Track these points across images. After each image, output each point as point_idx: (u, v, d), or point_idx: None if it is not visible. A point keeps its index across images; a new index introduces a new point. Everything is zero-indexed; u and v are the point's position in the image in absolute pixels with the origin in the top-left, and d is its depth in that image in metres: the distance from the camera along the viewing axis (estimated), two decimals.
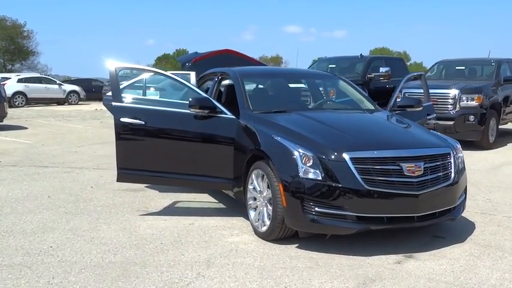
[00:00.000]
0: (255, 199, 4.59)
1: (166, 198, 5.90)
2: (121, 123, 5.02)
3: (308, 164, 4.01)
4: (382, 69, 11.23)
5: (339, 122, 4.77)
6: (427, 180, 4.08)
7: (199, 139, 5.00)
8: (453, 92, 9.83)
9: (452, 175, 4.28)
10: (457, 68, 11.37)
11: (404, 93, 10.05)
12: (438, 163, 4.21)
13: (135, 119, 5.02)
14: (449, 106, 9.77)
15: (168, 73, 5.50)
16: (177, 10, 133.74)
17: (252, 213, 4.60)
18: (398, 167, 4.00)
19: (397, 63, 12.83)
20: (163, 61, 45.83)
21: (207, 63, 7.36)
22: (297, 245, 4.26)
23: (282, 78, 5.98)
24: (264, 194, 4.37)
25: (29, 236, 4.51)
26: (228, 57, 7.62)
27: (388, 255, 4.03)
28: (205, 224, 4.90)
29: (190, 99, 4.95)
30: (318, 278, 3.57)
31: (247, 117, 4.90)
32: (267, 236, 4.32)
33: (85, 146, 10.57)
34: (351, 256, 4.01)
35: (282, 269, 3.75)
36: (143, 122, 5.02)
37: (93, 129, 14.22)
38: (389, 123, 5.00)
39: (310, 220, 3.96)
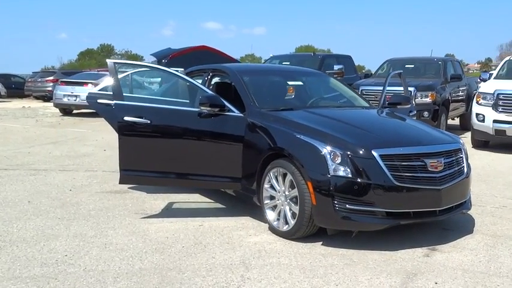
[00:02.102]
0: (271, 198, 4.54)
1: (158, 200, 5.70)
2: (124, 122, 4.79)
3: (337, 162, 4.03)
4: (336, 67, 11.49)
5: (353, 119, 4.84)
6: (446, 175, 4.24)
7: (207, 138, 4.88)
8: (409, 89, 10.25)
9: (465, 169, 4.49)
10: (406, 66, 11.87)
11: (362, 90, 10.38)
12: (453, 158, 4.40)
13: (140, 117, 4.81)
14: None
15: (171, 70, 5.29)
16: (91, 2, 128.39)
17: (269, 213, 4.55)
18: (422, 163, 4.13)
19: (347, 60, 13.19)
20: (87, 56, 44.04)
21: (184, 60, 7.21)
22: (321, 242, 4.27)
23: (280, 76, 5.96)
24: (286, 193, 4.34)
25: (34, 245, 4.19)
26: (205, 54, 7.47)
27: (413, 249, 4.14)
28: (216, 224, 4.79)
29: (200, 97, 4.82)
30: (362, 275, 3.61)
31: (256, 115, 4.84)
32: (291, 235, 4.29)
33: (35, 146, 9.96)
34: (380, 251, 4.08)
35: (322, 267, 3.75)
36: (148, 121, 4.81)
37: (33, 128, 13.40)
38: (398, 120, 5.14)
39: (342, 217, 3.99)
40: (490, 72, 12.23)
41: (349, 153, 4.05)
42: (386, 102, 5.88)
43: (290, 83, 5.76)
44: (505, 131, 9.15)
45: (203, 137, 4.88)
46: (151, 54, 7.30)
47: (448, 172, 4.27)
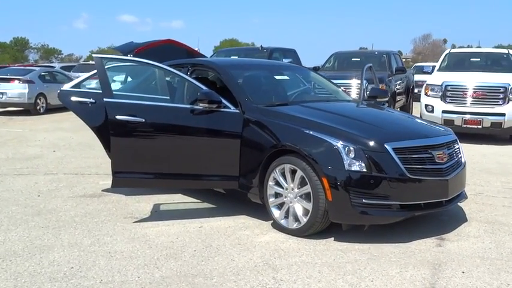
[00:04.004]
0: (276, 196, 4.45)
1: (141, 202, 5.42)
2: (116, 122, 4.48)
3: (351, 156, 4.01)
4: (285, 60, 11.53)
5: (352, 113, 4.85)
6: (450, 166, 4.35)
7: (204, 136, 4.68)
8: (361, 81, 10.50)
9: (463, 159, 4.64)
10: (353, 59, 12.15)
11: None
12: (452, 150, 4.52)
13: (133, 116, 4.52)
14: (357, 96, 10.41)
15: (162, 65, 5.01)
16: None
17: (275, 211, 4.45)
18: (430, 155, 4.21)
19: (293, 54, 13.25)
20: None
21: (150, 54, 6.84)
22: (332, 238, 4.25)
23: (266, 70, 5.83)
24: (296, 190, 4.26)
25: (30, 258, 3.83)
26: (171, 48, 7.13)
27: (423, 240, 4.22)
28: (216, 225, 4.62)
29: (199, 93, 4.61)
30: (390, 268, 3.62)
31: (254, 111, 4.70)
32: (302, 232, 4.22)
33: None
34: (393, 244, 4.12)
35: (348, 263, 3.72)
36: (143, 120, 4.54)
37: None
38: (394, 113, 5.22)
39: (360, 212, 3.98)
40: (433, 64, 12.79)
41: (362, 147, 4.04)
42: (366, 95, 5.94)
43: (277, 77, 5.68)
44: (453, 120, 9.61)
45: (200, 135, 4.68)
46: (114, 49, 6.88)
47: (451, 163, 4.39)
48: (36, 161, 7.92)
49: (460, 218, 4.84)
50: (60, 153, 8.59)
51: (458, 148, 4.65)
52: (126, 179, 4.62)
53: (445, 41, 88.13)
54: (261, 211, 4.79)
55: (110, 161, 6.75)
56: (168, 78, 5.25)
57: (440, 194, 4.24)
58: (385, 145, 4.06)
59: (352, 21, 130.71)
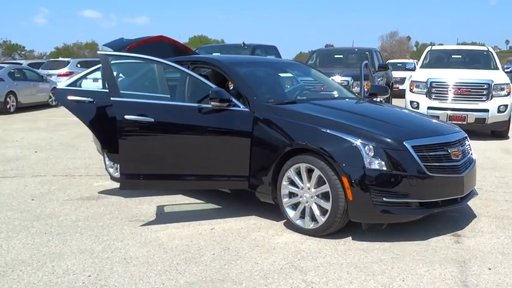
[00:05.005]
0: (290, 196, 4.36)
1: (143, 204, 5.24)
2: (125, 122, 4.31)
3: (371, 155, 3.96)
4: (269, 58, 11.44)
5: (364, 111, 4.80)
6: (464, 163, 4.36)
7: (213, 135, 4.56)
8: (346, 78, 10.53)
9: (474, 156, 4.65)
10: (335, 56, 12.17)
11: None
12: (464, 147, 4.53)
13: (142, 115, 4.36)
14: None
15: (172, 63, 4.85)
16: None
17: (290, 211, 4.36)
18: (446, 152, 4.20)
19: (274, 51, 13.18)
20: None
21: (142, 50, 6.65)
22: (350, 237, 4.19)
23: (269, 67, 5.73)
24: (313, 190, 4.18)
25: (41, 267, 3.64)
26: (163, 44, 6.92)
27: (440, 237, 4.21)
28: (228, 227, 4.51)
29: (210, 91, 4.47)
30: (417, 267, 3.59)
31: (264, 110, 4.60)
32: (320, 232, 4.15)
33: None
34: (412, 242, 4.09)
35: (374, 263, 3.67)
36: (152, 119, 4.37)
37: None
38: (404, 111, 5.20)
39: (381, 211, 3.93)
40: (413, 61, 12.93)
41: (381, 145, 4.00)
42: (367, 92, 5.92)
43: (281, 75, 5.59)
44: (438, 116, 9.68)
45: (209, 134, 4.56)
46: (104, 45, 6.63)
47: (464, 160, 4.39)
48: (19, 162, 7.61)
49: (469, 214, 4.86)
50: (43, 154, 8.28)
51: (469, 145, 4.67)
52: (135, 180, 4.45)
53: (408, 38, 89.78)
54: (270, 211, 4.72)
55: (101, 161, 6.63)
56: (173, 76, 5.08)
57: (457, 191, 4.24)
58: (404, 143, 4.03)
59: (318, 18, 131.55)
